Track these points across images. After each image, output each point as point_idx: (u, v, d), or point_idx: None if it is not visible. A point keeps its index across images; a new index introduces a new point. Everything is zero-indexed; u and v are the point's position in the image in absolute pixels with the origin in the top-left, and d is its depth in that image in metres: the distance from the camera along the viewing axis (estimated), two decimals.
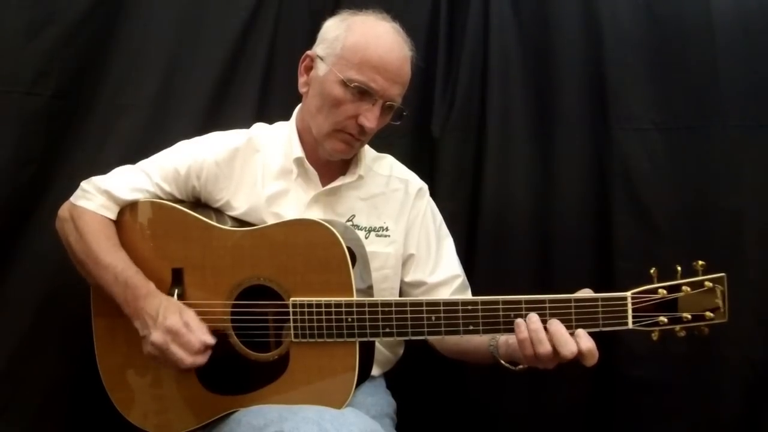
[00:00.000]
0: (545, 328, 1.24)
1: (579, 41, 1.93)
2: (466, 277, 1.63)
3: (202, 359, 1.29)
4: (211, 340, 1.30)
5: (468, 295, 1.60)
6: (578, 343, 1.22)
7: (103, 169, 1.53)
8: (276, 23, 1.96)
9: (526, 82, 1.96)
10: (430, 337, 1.36)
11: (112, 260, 1.39)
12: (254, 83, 1.94)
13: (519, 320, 1.26)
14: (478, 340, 1.41)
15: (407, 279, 1.58)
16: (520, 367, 1.33)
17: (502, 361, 1.37)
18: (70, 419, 1.76)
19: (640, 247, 1.84)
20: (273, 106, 1.92)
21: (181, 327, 1.28)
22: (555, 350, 1.22)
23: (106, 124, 1.81)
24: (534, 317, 1.25)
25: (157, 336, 1.28)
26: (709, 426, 1.82)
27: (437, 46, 1.99)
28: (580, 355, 1.22)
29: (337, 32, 1.43)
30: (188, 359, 1.27)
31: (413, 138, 1.99)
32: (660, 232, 1.84)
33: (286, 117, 1.58)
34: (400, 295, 1.59)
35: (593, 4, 1.90)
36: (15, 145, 1.68)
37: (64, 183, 1.59)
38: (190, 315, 1.32)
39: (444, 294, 1.57)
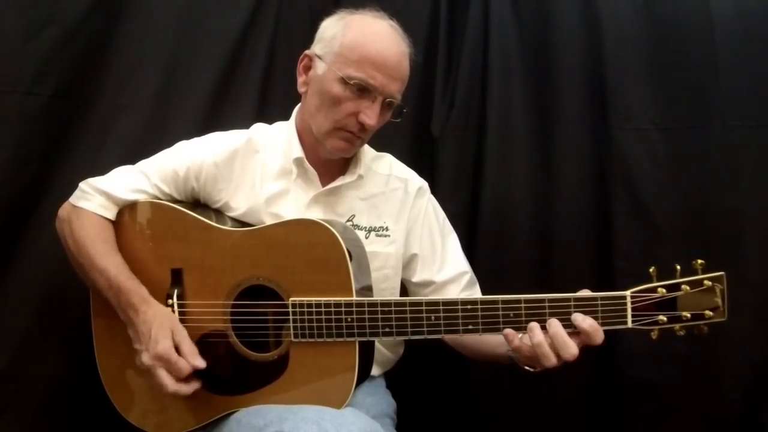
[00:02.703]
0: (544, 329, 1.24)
1: (579, 41, 1.92)
2: (473, 273, 1.63)
3: (186, 389, 1.28)
4: (201, 364, 1.29)
5: (477, 291, 1.61)
6: (577, 325, 1.23)
7: (103, 169, 1.53)
8: (276, 23, 1.96)
9: (526, 82, 1.96)
10: (432, 337, 1.35)
11: (107, 264, 1.39)
12: (254, 83, 1.94)
13: (508, 331, 1.27)
14: (495, 342, 1.41)
15: (415, 279, 1.58)
16: (537, 369, 1.32)
17: (522, 366, 1.36)
18: (70, 419, 1.76)
19: (640, 247, 1.84)
20: (273, 106, 1.92)
21: (171, 354, 1.27)
22: (556, 354, 1.23)
23: (106, 124, 1.81)
24: (536, 330, 1.25)
25: (146, 359, 1.28)
26: (709, 426, 1.81)
27: (437, 45, 1.99)
28: (585, 335, 1.23)
29: (335, 31, 1.43)
30: (172, 387, 1.26)
31: (413, 138, 1.99)
32: (660, 232, 1.84)
33: (286, 117, 1.58)
34: (408, 296, 1.59)
35: (593, 4, 1.90)
36: (15, 145, 1.68)
37: (64, 183, 1.59)
38: (183, 337, 1.31)
39: (453, 291, 1.57)
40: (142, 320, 1.32)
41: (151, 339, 1.28)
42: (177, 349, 1.28)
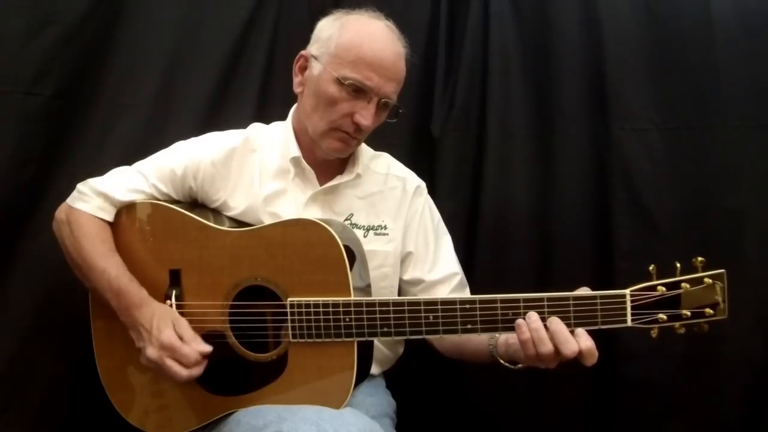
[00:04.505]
0: (545, 327, 1.23)
1: (579, 41, 1.93)
2: (464, 275, 1.62)
3: (198, 371, 1.29)
4: (207, 348, 1.30)
5: (467, 293, 1.60)
6: (578, 342, 1.22)
7: (103, 169, 1.53)
8: (276, 23, 1.97)
9: (526, 82, 1.96)
10: (429, 337, 1.35)
11: (106, 265, 1.39)
12: (254, 83, 1.94)
13: (520, 321, 1.25)
14: (477, 340, 1.41)
15: (405, 277, 1.58)
16: (519, 366, 1.33)
17: (501, 361, 1.36)
18: (70, 420, 1.76)
19: (640, 247, 1.84)
20: (273, 106, 1.92)
21: (176, 341, 1.27)
22: (556, 349, 1.22)
23: (106, 124, 1.81)
24: (534, 316, 1.24)
25: (152, 352, 1.28)
26: (709, 426, 1.81)
27: (437, 46, 1.99)
28: (579, 354, 1.22)
29: (331, 31, 1.43)
30: (184, 373, 1.27)
31: (413, 138, 1.99)
32: (660, 231, 1.84)
33: (286, 117, 1.58)
34: (399, 294, 1.59)
35: (593, 4, 1.90)
36: (15, 145, 1.68)
37: (64, 183, 1.58)
38: (184, 326, 1.31)
39: (442, 292, 1.56)
40: (144, 319, 1.32)
41: (153, 330, 1.29)
42: (180, 339, 1.29)
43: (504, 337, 1.35)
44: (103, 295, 1.39)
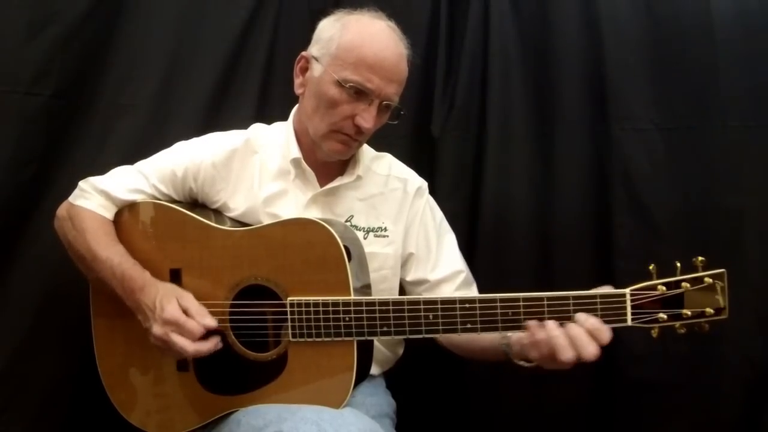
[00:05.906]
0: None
1: (579, 41, 1.92)
2: (470, 273, 1.62)
3: (206, 346, 1.29)
4: (212, 323, 1.30)
5: (473, 291, 1.60)
6: (582, 325, 1.21)
7: (103, 169, 1.53)
8: (276, 23, 1.97)
9: (526, 82, 1.96)
10: (429, 336, 1.35)
11: (109, 254, 1.39)
12: (254, 83, 1.94)
13: (531, 322, 1.25)
14: (489, 338, 1.40)
15: (409, 278, 1.57)
16: (533, 364, 1.31)
17: (516, 360, 1.35)
18: (70, 420, 1.76)
19: (640, 247, 1.83)
20: (272, 106, 1.92)
21: (180, 316, 1.27)
22: (577, 354, 1.21)
23: (106, 124, 1.81)
24: (551, 324, 1.23)
25: (156, 329, 1.28)
26: (709, 426, 1.81)
27: (437, 46, 1.99)
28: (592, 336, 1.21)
29: (332, 32, 1.42)
30: (191, 347, 1.27)
31: (413, 138, 1.99)
32: (660, 231, 1.84)
33: (286, 117, 1.58)
34: (403, 295, 1.58)
35: (593, 4, 1.90)
36: (15, 145, 1.68)
37: (64, 183, 1.59)
38: (189, 300, 1.32)
39: (447, 290, 1.56)
40: (148, 299, 1.32)
41: (157, 308, 1.29)
42: (185, 313, 1.29)
43: (518, 336, 1.33)
44: (107, 284, 1.39)
